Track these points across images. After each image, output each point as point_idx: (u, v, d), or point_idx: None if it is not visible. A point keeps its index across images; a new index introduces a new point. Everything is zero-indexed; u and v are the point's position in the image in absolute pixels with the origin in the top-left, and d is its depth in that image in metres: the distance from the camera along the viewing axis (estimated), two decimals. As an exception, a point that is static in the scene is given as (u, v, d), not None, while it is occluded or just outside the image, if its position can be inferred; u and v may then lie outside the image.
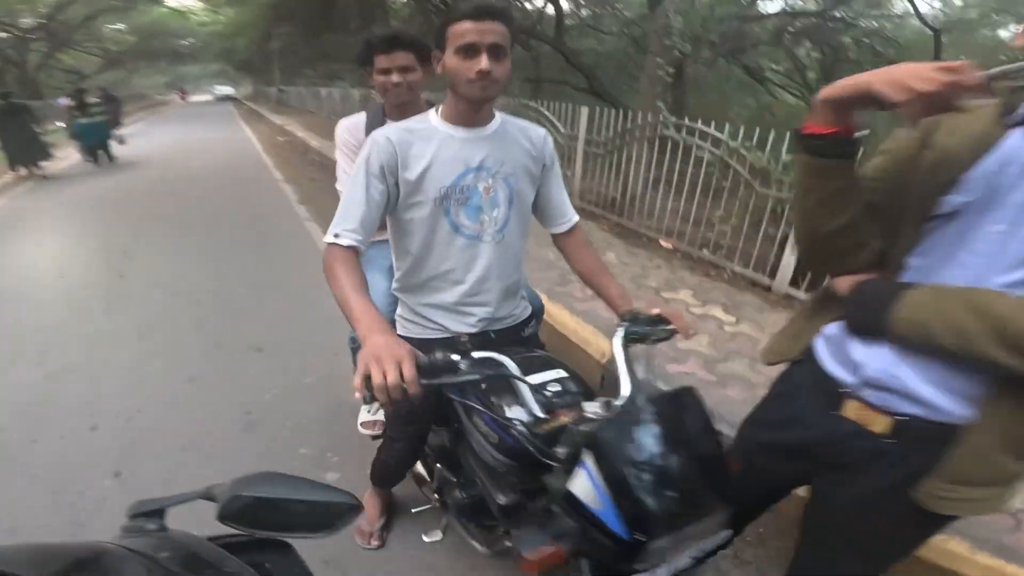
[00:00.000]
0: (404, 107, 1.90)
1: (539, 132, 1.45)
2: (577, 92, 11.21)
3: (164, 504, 0.74)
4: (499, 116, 1.38)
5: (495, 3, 1.17)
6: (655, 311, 1.29)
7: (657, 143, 4.79)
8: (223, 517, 0.70)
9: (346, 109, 14.56)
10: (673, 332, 1.28)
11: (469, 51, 1.18)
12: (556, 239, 1.56)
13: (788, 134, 3.80)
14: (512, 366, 1.13)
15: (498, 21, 1.17)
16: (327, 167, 8.63)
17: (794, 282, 3.84)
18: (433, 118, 1.34)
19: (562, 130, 5.59)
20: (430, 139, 1.31)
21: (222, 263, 4.41)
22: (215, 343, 3.25)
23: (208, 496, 0.72)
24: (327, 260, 1.20)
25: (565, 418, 1.12)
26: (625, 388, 1.07)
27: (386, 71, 1.85)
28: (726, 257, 4.25)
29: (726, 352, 2.96)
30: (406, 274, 1.44)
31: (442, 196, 1.31)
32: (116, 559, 0.63)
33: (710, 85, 10.97)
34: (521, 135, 1.40)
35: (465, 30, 1.17)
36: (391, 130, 1.31)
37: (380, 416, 2.21)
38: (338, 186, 1.98)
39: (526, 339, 1.58)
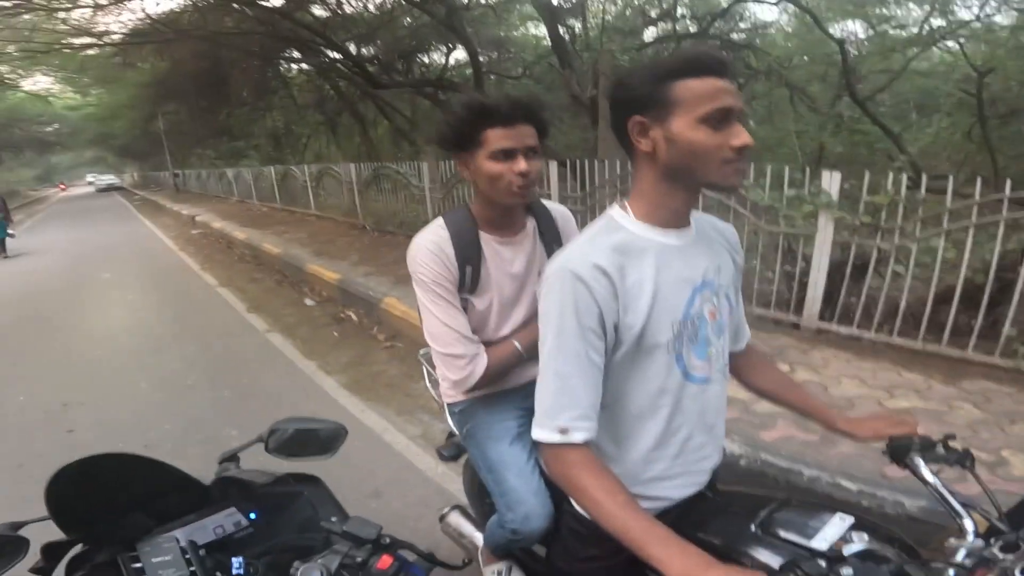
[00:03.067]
0: (512, 213, 1.39)
1: (730, 228, 1.13)
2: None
3: (237, 451, 1.20)
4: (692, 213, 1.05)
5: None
6: (880, 432, 1.10)
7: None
8: (269, 449, 1.16)
9: (262, 190, 13.78)
10: (970, 455, 1.03)
11: (725, 118, 0.86)
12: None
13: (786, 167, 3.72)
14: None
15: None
16: (264, 262, 7.92)
17: (821, 315, 3.73)
18: (627, 221, 0.96)
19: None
20: (643, 254, 0.94)
21: (191, 407, 3.70)
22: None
23: (260, 440, 1.17)
24: (561, 469, 0.90)
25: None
26: (968, 523, 0.89)
27: (507, 154, 1.26)
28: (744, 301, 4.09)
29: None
30: (609, 447, 1.05)
31: (675, 336, 0.96)
32: (220, 483, 1.11)
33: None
34: (717, 234, 1.08)
35: (720, 89, 0.87)
36: (591, 250, 0.92)
37: None
38: (430, 341, 1.39)
39: (715, 476, 1.25)
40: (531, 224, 1.46)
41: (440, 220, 1.41)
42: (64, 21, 10.53)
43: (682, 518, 1.07)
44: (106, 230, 14.54)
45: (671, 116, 0.87)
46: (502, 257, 1.41)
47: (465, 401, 1.51)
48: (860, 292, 3.60)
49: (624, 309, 0.91)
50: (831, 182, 3.45)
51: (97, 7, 10.04)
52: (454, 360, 1.33)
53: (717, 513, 1.10)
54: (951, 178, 3.17)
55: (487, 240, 1.40)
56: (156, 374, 4.26)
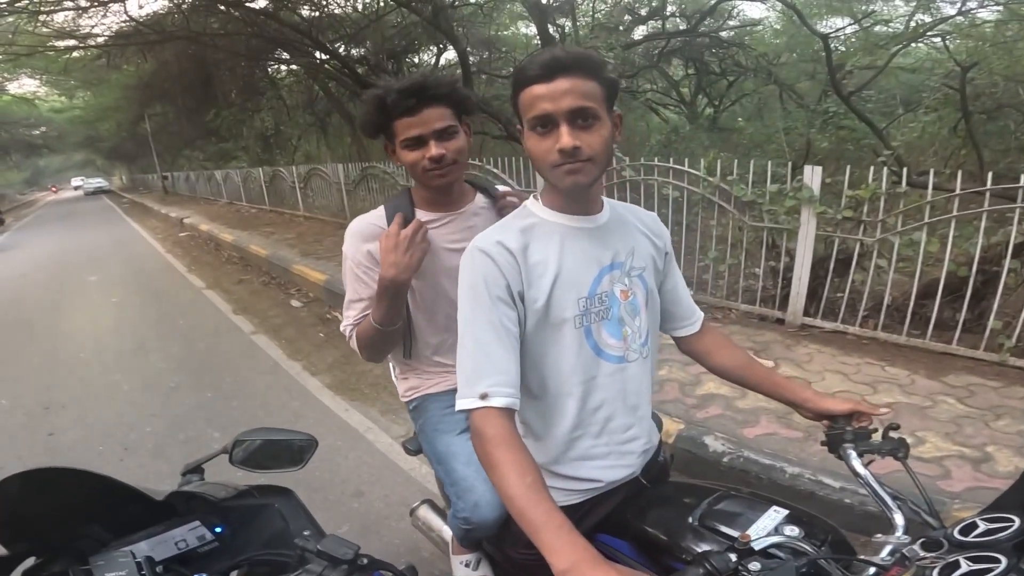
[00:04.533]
0: (447, 192, 1.39)
1: (650, 214, 1.19)
2: (495, 140, 11.05)
3: (201, 462, 1.16)
4: (605, 200, 1.10)
5: (572, 55, 0.91)
6: (841, 407, 1.07)
7: (615, 189, 4.63)
8: (233, 461, 1.12)
9: (251, 191, 13.69)
10: (905, 445, 1.01)
11: (545, 124, 0.92)
12: (684, 342, 1.28)
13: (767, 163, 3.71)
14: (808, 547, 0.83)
15: (574, 77, 0.90)
16: (251, 264, 7.86)
17: (806, 311, 3.72)
18: (537, 207, 1.05)
19: (516, 187, 5.31)
20: (549, 236, 1.01)
21: (173, 409, 3.65)
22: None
23: (224, 451, 1.13)
24: (481, 443, 0.89)
25: (904, 575, 0.80)
26: (899, 518, 0.88)
27: (416, 141, 1.28)
28: (727, 297, 4.09)
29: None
30: (536, 426, 1.09)
31: (581, 312, 1.01)
32: (183, 497, 1.04)
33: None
34: (635, 219, 1.14)
35: (537, 96, 0.91)
36: (498, 232, 1.01)
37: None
38: (344, 326, 1.41)
39: (662, 466, 1.27)
40: (481, 200, 1.47)
41: (382, 206, 1.43)
42: (46, 24, 10.40)
43: (626, 507, 1.11)
44: (93, 233, 14.39)
45: (521, 123, 0.96)
46: (442, 235, 1.40)
47: (418, 397, 1.53)
48: (844, 287, 3.60)
49: (528, 283, 0.98)
50: (813, 176, 3.44)
51: (79, 9, 9.93)
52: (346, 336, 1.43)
53: (660, 504, 1.11)
54: (932, 172, 3.18)
55: (427, 219, 1.39)
56: (139, 376, 4.22)
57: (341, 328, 1.43)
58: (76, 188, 49.01)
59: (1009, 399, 2.70)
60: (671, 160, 4.16)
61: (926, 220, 3.21)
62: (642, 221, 1.14)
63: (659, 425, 1.38)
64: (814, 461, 2.25)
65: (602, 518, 1.14)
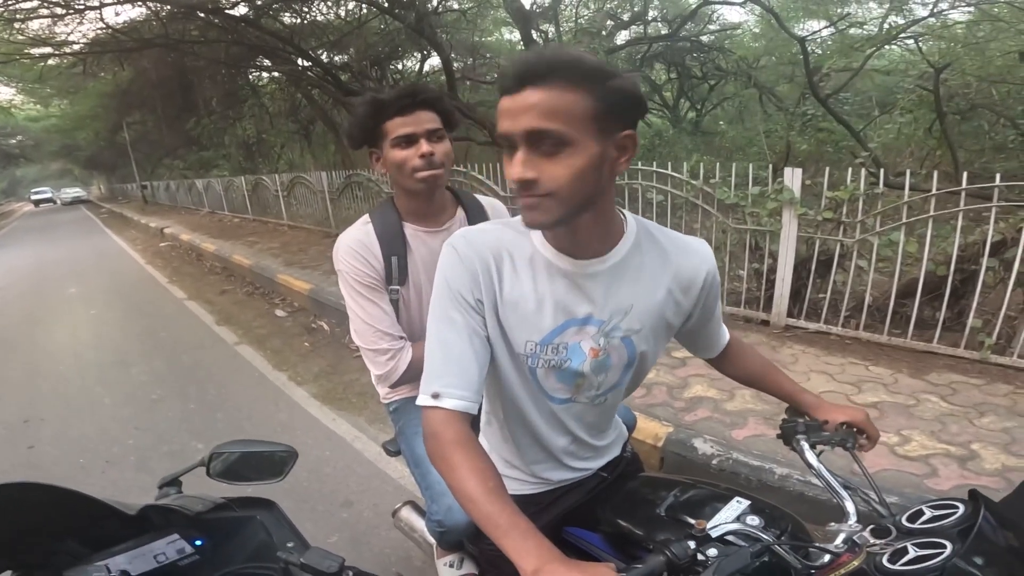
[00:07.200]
0: (430, 200, 1.41)
1: (694, 258, 0.97)
2: (481, 147, 11.05)
3: (178, 474, 1.11)
4: (632, 231, 0.92)
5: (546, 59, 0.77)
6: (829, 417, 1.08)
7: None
8: (211, 474, 1.10)
9: (233, 201, 13.55)
10: (855, 434, 1.05)
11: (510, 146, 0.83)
12: (701, 356, 1.24)
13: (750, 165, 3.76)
14: (766, 536, 0.85)
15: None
16: (234, 273, 7.76)
17: (790, 312, 3.77)
18: (530, 231, 0.91)
19: (502, 193, 5.31)
20: (531, 263, 0.91)
21: (156, 421, 3.59)
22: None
23: (202, 463, 1.10)
24: (435, 444, 0.85)
25: (854, 561, 0.81)
26: (850, 506, 0.90)
27: (408, 140, 1.31)
28: (713, 298, 4.11)
29: (775, 403, 2.72)
30: (489, 420, 1.11)
31: (527, 354, 0.93)
32: (159, 511, 0.99)
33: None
34: (663, 265, 0.94)
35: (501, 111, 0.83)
36: (481, 233, 0.92)
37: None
38: (355, 338, 1.41)
39: (630, 463, 1.27)
40: (461, 214, 1.49)
41: (366, 216, 1.44)
42: (21, 31, 10.23)
43: (595, 501, 1.13)
44: (72, 244, 14.12)
45: None
46: (429, 248, 1.43)
47: (399, 400, 1.54)
48: (827, 287, 3.64)
49: (488, 297, 0.91)
50: (793, 178, 3.49)
51: (55, 17, 9.79)
52: (377, 355, 1.37)
53: (629, 497, 1.13)
54: (908, 172, 3.24)
55: (413, 231, 1.43)
56: (121, 389, 4.14)
57: (377, 354, 1.36)
58: (37, 204, 41.07)
59: (992, 396, 2.75)
60: (655, 164, 4.18)
61: (903, 220, 3.26)
62: (675, 269, 0.95)
63: (630, 421, 1.40)
64: (802, 462, 2.26)
65: (570, 511, 1.14)
